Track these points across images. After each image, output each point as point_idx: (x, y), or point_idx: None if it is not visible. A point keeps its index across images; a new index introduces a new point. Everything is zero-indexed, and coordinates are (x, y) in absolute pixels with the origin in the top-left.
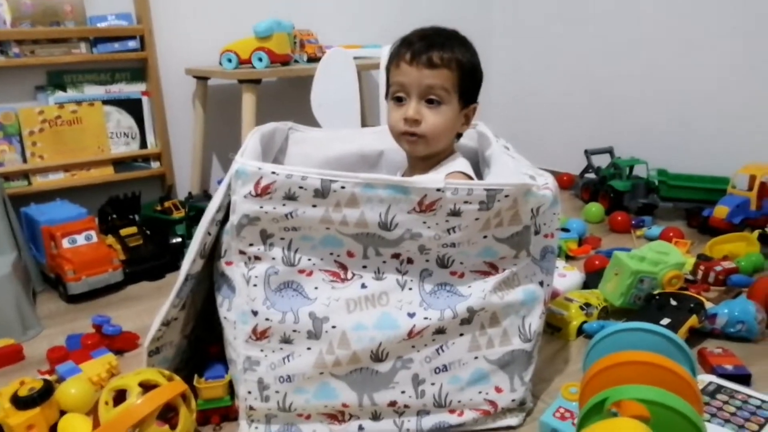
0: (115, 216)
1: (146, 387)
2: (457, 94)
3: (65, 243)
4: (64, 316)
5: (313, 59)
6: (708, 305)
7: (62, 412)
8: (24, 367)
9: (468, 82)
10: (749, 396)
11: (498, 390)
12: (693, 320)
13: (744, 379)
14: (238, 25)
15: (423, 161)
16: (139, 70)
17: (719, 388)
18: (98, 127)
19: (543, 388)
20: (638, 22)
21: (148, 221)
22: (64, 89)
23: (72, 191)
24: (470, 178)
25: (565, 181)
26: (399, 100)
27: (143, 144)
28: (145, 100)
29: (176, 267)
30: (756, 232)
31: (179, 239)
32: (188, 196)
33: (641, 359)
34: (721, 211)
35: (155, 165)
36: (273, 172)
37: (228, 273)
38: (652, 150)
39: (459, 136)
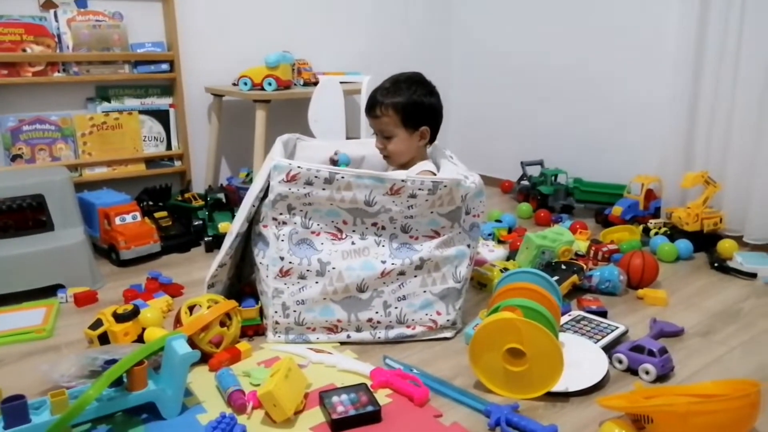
0: (150, 203)
1: (210, 305)
2: (403, 127)
3: (117, 220)
4: (118, 276)
5: (308, 84)
6: (587, 269)
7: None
8: (98, 306)
9: (409, 116)
10: (601, 322)
11: (438, 313)
12: (574, 278)
13: (603, 314)
14: (247, 53)
15: (401, 166)
16: (168, 87)
17: (583, 318)
18: (134, 132)
19: (470, 319)
20: (555, 69)
21: (173, 208)
22: (108, 101)
23: (113, 182)
24: (433, 173)
25: (506, 186)
26: (376, 134)
27: (169, 146)
28: (171, 111)
29: (199, 243)
30: (641, 226)
31: (200, 222)
32: (208, 189)
33: (523, 286)
34: (617, 210)
35: (177, 163)
36: (299, 167)
37: (264, 233)
38: (572, 162)
39: (431, 142)
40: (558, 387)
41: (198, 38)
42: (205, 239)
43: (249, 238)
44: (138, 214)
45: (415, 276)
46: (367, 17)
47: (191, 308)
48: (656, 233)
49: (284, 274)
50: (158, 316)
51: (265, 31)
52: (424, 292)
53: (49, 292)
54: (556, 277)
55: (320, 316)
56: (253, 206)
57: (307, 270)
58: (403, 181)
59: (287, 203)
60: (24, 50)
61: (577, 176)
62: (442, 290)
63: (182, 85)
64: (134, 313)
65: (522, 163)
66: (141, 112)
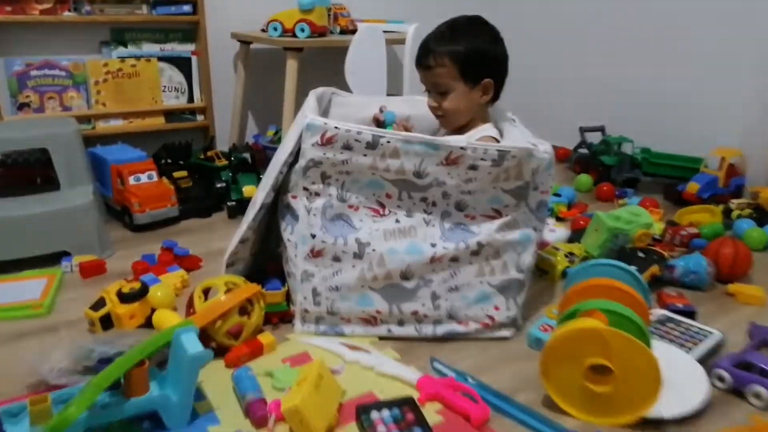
0: (169, 161)
1: (229, 288)
2: (461, 80)
3: (131, 180)
4: (130, 242)
5: (345, 31)
6: (669, 258)
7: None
8: (106, 278)
9: (469, 67)
10: (691, 325)
11: (496, 308)
12: (655, 269)
13: (690, 314)
14: None
15: (457, 130)
16: (191, 32)
17: (669, 319)
18: (153, 81)
19: (531, 314)
20: (632, 14)
21: (194, 167)
22: (125, 45)
23: (128, 136)
24: (497, 140)
25: (560, 154)
26: (428, 91)
27: (190, 98)
28: (194, 59)
29: (221, 208)
30: (721, 207)
31: (223, 184)
32: (232, 147)
33: (605, 283)
34: (693, 186)
35: (200, 118)
36: (336, 127)
37: (293, 204)
38: (639, 130)
39: (492, 102)
40: (650, 412)
41: None
42: (228, 204)
43: (276, 208)
44: (154, 173)
45: (471, 263)
46: None
47: (206, 291)
48: (739, 215)
49: (316, 254)
50: (170, 296)
51: None
52: (481, 282)
53: (53, 260)
54: (633, 267)
55: (357, 306)
56: (281, 173)
57: (343, 251)
58: (462, 148)
59: (321, 171)
60: None
61: (643, 146)
62: (502, 281)
63: (206, 30)
64: (142, 292)
65: (581, 128)
66: (160, 59)
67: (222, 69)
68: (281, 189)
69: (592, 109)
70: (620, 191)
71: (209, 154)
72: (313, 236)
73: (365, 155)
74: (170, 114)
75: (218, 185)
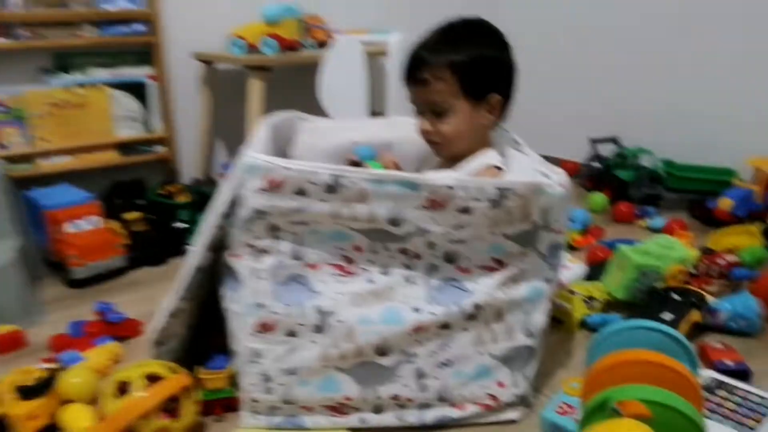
0: (120, 201)
1: (150, 379)
2: (462, 96)
3: (69, 227)
4: (67, 302)
5: (322, 44)
6: (710, 299)
7: (63, 402)
8: (27, 353)
9: (472, 80)
10: (749, 392)
11: (500, 385)
12: (695, 315)
13: (744, 375)
14: (246, 8)
15: (453, 159)
16: (146, 54)
17: (720, 384)
18: (103, 111)
19: (544, 382)
20: (645, 11)
21: (152, 205)
22: (69, 72)
23: (76, 175)
24: (502, 170)
25: (569, 169)
26: (419, 113)
27: (148, 128)
28: (150, 83)
29: (180, 252)
30: (759, 225)
31: (183, 224)
32: (194, 181)
33: (644, 358)
34: (725, 203)
35: (160, 149)
36: (284, 167)
37: (234, 265)
38: (658, 140)
39: (497, 123)
40: None
41: None
42: (188, 247)
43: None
44: (97, 217)
45: (466, 330)
46: None
47: (123, 386)
48: None
49: (265, 329)
50: (88, 383)
51: None
52: (480, 353)
53: None
54: (668, 315)
55: (320, 392)
56: (218, 227)
57: (300, 323)
58: (450, 187)
59: (268, 222)
60: None
61: (663, 157)
62: (507, 350)
63: (164, 51)
64: (48, 382)
65: (591, 140)
66: (111, 85)
67: (183, 93)
68: (222, 245)
69: (602, 118)
70: (640, 210)
71: (169, 189)
72: (261, 306)
73: (324, 201)
74: (125, 147)
75: (177, 225)
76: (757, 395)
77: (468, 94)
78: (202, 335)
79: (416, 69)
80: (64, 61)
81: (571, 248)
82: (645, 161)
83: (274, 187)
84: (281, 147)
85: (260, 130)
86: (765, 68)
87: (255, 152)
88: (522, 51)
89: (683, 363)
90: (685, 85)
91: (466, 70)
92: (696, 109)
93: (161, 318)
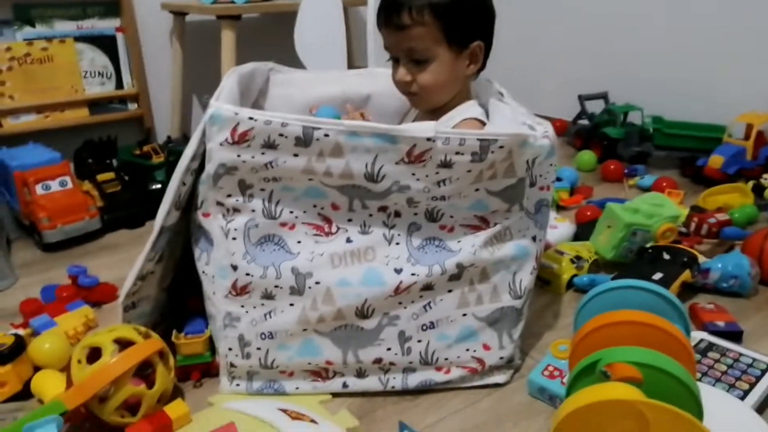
0: (91, 161)
1: (121, 344)
2: (445, 43)
3: (39, 189)
4: (40, 265)
5: None
6: (701, 259)
7: (36, 368)
8: None
9: (454, 25)
10: (740, 354)
11: (486, 347)
12: (686, 275)
13: (736, 336)
14: None
15: (432, 112)
16: (113, 5)
17: (711, 346)
18: (71, 66)
19: (532, 344)
20: None
21: (126, 166)
22: (32, 24)
23: (45, 134)
24: (482, 123)
25: (557, 127)
26: (394, 60)
27: (119, 84)
28: (119, 36)
29: (156, 215)
30: (750, 183)
31: (159, 185)
32: (167, 140)
33: (634, 319)
34: (716, 160)
35: (132, 107)
36: (251, 118)
37: (205, 225)
38: (647, 96)
39: (478, 73)
40: None
41: None
42: None
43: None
44: (68, 178)
45: (450, 291)
46: None
47: (92, 353)
48: None
49: (240, 291)
50: (60, 348)
51: None
52: (464, 315)
53: None
54: (658, 275)
55: (299, 356)
56: (183, 184)
57: (276, 286)
58: (429, 139)
59: (238, 178)
60: None
61: (653, 114)
62: (493, 312)
63: (131, 1)
64: (17, 348)
65: (580, 96)
66: (78, 39)
67: (155, 47)
68: (191, 204)
69: (591, 74)
70: (629, 169)
71: (145, 149)
72: (235, 267)
73: (296, 155)
74: (96, 104)
75: (153, 187)
76: (749, 356)
77: (450, 40)
78: (180, 298)
79: (395, 12)
80: (26, 13)
81: (559, 207)
82: (634, 118)
83: (241, 139)
84: (257, 100)
85: (226, 80)
86: (756, 23)
87: (221, 102)
88: (506, 4)
89: (674, 324)
90: (674, 39)
91: (449, 14)
92: (685, 63)
93: (130, 280)
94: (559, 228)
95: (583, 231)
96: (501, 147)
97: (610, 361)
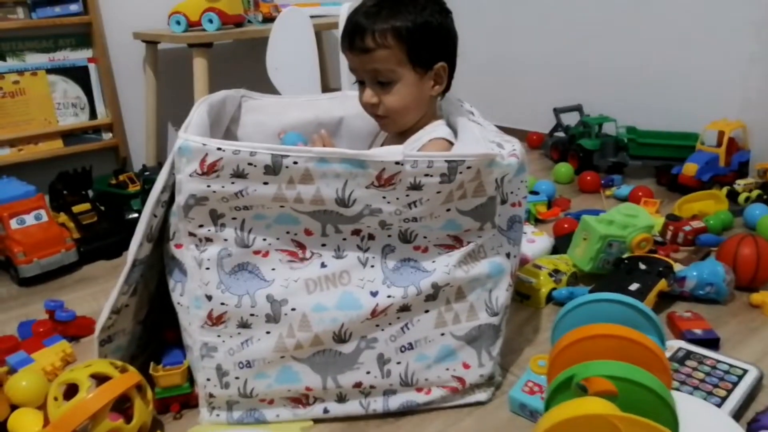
0: (66, 192)
1: (98, 379)
2: (409, 65)
3: (13, 224)
4: (17, 301)
5: (269, 19)
6: (677, 267)
7: (13, 407)
8: None
9: (417, 47)
10: (718, 361)
11: (465, 366)
12: (662, 284)
13: (713, 343)
14: None
15: (401, 134)
16: (84, 36)
17: (689, 354)
18: (44, 98)
19: (512, 360)
20: None
21: (102, 196)
22: (3, 58)
23: (19, 167)
24: (450, 143)
25: (534, 140)
26: (360, 83)
27: (93, 114)
28: (92, 67)
29: None
30: (725, 189)
31: (136, 214)
32: (142, 169)
33: (608, 332)
34: (690, 168)
35: (107, 136)
36: (219, 148)
37: (178, 256)
38: (621, 107)
39: (443, 93)
40: None
41: None
42: None
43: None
44: (43, 212)
45: (427, 311)
46: None
47: (69, 389)
48: (747, 198)
49: (216, 321)
50: (37, 386)
51: None
52: (442, 335)
53: None
54: (635, 285)
55: (278, 384)
56: (154, 216)
57: (252, 314)
58: (398, 163)
59: (208, 208)
60: None
61: (629, 124)
62: (471, 330)
63: (103, 32)
64: None
65: (555, 110)
66: (50, 71)
67: (128, 76)
68: (163, 236)
69: (565, 87)
70: (606, 179)
71: (121, 178)
72: (209, 297)
73: (266, 183)
74: (70, 135)
75: (129, 216)
76: (725, 363)
77: (414, 62)
78: (157, 330)
79: (358, 36)
80: None
81: (537, 221)
82: (609, 129)
83: (210, 170)
84: (229, 127)
85: (195, 110)
86: (724, 31)
87: (189, 134)
88: (482, 24)
89: (649, 335)
90: (645, 50)
91: (411, 37)
92: (657, 74)
93: (104, 314)
94: (537, 242)
95: (561, 244)
96: (469, 167)
97: (585, 376)
